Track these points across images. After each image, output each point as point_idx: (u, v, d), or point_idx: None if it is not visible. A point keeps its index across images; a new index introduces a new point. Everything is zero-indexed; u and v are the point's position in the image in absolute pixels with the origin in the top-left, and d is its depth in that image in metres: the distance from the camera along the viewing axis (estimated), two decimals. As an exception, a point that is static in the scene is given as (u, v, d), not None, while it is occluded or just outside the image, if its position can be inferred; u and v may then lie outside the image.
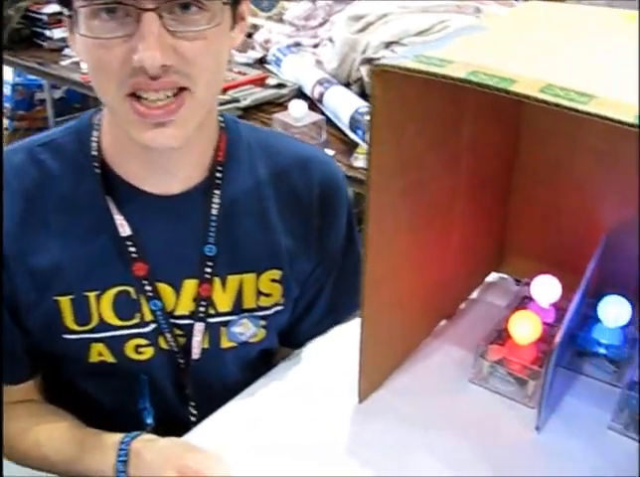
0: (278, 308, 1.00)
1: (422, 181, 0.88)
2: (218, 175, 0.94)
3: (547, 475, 0.85)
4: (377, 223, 0.82)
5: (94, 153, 0.91)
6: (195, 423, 0.94)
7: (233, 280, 0.96)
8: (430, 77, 0.68)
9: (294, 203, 0.99)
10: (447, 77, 0.67)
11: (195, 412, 0.99)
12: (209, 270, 0.93)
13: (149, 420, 0.96)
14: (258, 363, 1.05)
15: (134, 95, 0.80)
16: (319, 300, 1.07)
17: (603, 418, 0.92)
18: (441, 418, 0.93)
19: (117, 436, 0.89)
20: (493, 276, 1.22)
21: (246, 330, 0.98)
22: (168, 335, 0.94)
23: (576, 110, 0.61)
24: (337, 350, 1.03)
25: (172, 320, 0.94)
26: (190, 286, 0.93)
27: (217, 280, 0.94)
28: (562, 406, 0.96)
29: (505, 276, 1.21)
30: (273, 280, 0.98)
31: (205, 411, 0.95)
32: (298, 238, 0.99)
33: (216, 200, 0.94)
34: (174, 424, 0.94)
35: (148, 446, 0.87)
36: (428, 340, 1.06)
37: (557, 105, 0.61)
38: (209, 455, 0.85)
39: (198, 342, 0.95)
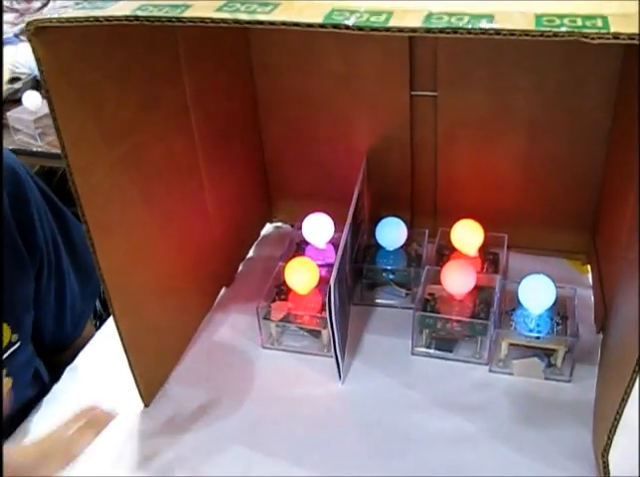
0: (14, 347, 0.82)
1: (142, 148, 0.76)
2: None
3: (357, 423, 0.79)
4: (95, 208, 0.68)
5: None
6: None
7: None
8: (92, 23, 0.56)
9: None
10: (111, 18, 0.55)
11: None
12: None
13: None
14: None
15: None
16: (65, 289, 0.92)
17: (406, 346, 0.88)
18: (238, 394, 0.84)
19: None
20: (268, 228, 1.14)
21: None
22: None
23: (258, 22, 0.52)
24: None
25: None
26: None
27: None
28: (364, 346, 0.90)
29: (279, 224, 1.14)
30: None
31: None
32: (7, 261, 0.81)
33: None
34: None
35: None
36: (210, 315, 0.97)
37: (236, 22, 0.52)
38: None
39: None
